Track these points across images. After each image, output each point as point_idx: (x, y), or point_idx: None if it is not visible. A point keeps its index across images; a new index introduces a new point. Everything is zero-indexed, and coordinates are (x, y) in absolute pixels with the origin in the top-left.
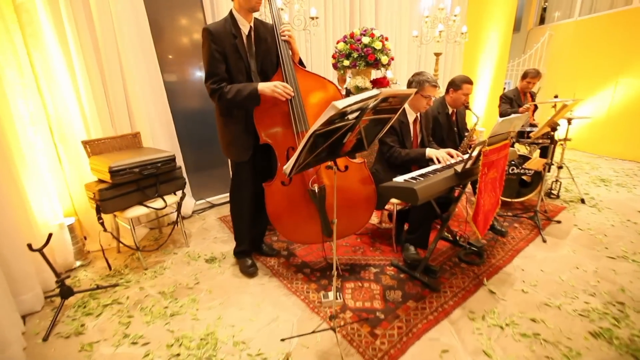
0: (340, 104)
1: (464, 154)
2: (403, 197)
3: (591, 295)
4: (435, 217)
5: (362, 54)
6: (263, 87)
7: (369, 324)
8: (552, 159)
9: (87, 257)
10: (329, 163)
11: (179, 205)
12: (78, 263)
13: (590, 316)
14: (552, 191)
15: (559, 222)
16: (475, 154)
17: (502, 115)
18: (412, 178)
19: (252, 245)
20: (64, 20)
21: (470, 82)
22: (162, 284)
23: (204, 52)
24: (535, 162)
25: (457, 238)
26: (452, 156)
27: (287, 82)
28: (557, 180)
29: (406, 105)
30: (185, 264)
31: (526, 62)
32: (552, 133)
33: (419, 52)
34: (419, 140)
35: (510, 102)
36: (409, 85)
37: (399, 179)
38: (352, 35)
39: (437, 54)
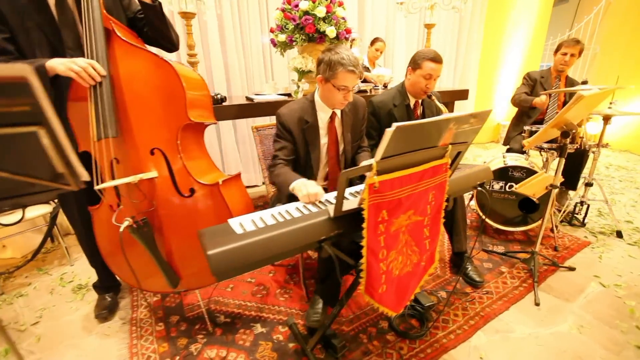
0: None
1: None
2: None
3: None
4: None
5: (299, 25)
6: (55, 63)
7: None
8: (577, 178)
9: None
10: None
11: (52, 218)
12: None
13: None
14: (576, 216)
15: (571, 269)
16: (359, 188)
17: (513, 102)
18: (263, 219)
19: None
20: None
21: (436, 59)
22: None
23: None
24: (534, 182)
25: None
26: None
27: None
28: (582, 202)
29: (317, 98)
30: (49, 291)
31: None
32: (563, 140)
33: (420, 26)
34: (340, 149)
35: (533, 86)
36: (317, 65)
37: (234, 222)
38: (288, 1)
39: (429, 26)
